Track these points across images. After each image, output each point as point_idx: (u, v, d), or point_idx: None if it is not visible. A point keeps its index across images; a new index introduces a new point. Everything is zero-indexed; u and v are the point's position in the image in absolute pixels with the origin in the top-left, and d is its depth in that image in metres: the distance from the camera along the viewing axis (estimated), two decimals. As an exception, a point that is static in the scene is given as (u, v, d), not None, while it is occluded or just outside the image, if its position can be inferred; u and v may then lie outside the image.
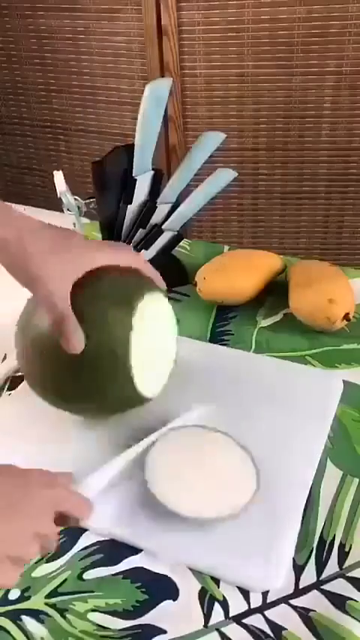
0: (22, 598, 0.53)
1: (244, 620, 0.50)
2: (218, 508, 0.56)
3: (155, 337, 0.65)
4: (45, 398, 0.64)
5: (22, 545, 0.46)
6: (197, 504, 0.57)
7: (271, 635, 0.49)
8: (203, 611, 0.51)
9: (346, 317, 0.78)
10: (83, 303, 0.58)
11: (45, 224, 0.60)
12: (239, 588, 0.52)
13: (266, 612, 0.51)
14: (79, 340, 0.57)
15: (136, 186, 0.80)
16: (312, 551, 0.55)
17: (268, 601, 0.52)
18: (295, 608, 0.51)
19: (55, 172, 0.91)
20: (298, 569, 0.54)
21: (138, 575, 0.54)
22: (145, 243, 0.85)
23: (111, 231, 0.83)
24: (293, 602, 0.52)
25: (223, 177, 0.83)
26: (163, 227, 0.85)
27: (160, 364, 0.67)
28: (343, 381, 0.71)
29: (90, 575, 0.54)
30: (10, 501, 0.47)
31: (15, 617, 0.51)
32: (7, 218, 0.58)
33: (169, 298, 0.87)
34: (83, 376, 0.59)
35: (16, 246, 0.56)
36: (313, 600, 0.51)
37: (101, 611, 0.52)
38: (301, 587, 0.53)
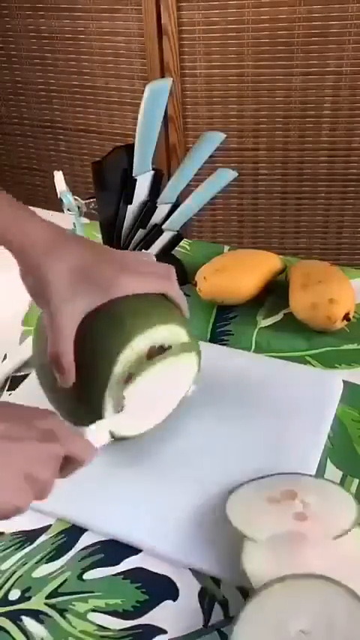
0: (23, 598, 0.53)
1: (244, 620, 0.50)
2: None
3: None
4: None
5: (14, 489, 0.43)
6: None
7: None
8: (203, 611, 0.51)
9: (346, 317, 0.77)
10: (93, 323, 0.57)
11: (74, 238, 0.57)
12: (239, 588, 0.52)
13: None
14: (70, 378, 0.55)
15: (136, 186, 0.80)
16: (312, 551, 0.55)
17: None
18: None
19: (55, 172, 0.91)
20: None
21: (138, 575, 0.54)
22: (145, 243, 0.85)
23: (111, 231, 0.83)
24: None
25: (223, 177, 0.83)
26: (163, 227, 0.85)
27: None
28: (343, 381, 0.71)
29: (90, 575, 0.54)
30: (7, 436, 0.43)
31: (15, 617, 0.52)
32: (35, 227, 0.56)
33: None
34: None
35: (38, 260, 0.54)
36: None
37: (101, 612, 0.52)
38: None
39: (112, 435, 0.56)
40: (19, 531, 0.58)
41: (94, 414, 0.57)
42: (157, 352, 0.59)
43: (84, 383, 0.57)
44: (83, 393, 0.58)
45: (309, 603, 0.47)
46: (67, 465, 0.47)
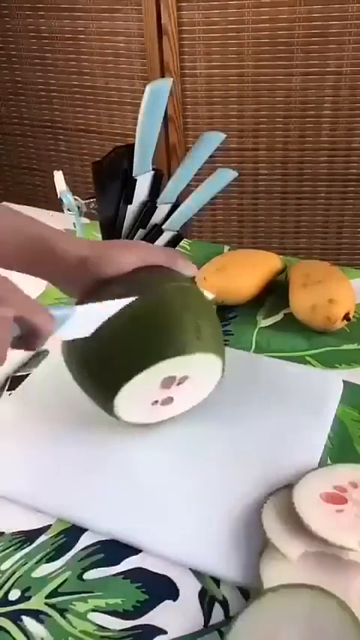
0: (22, 598, 0.53)
1: (244, 620, 0.50)
2: None
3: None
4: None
5: None
6: None
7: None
8: (203, 611, 0.51)
9: (346, 317, 0.78)
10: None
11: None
12: (239, 588, 0.52)
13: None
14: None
15: (136, 186, 0.80)
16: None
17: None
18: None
19: (55, 172, 0.91)
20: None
21: (138, 575, 0.54)
22: (145, 243, 0.85)
23: (111, 231, 0.83)
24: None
25: (223, 177, 0.83)
26: (163, 227, 0.85)
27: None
28: (343, 381, 0.71)
29: (90, 575, 0.54)
30: None
31: (15, 617, 0.51)
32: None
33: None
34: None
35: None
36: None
37: (101, 612, 0.52)
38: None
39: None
40: (19, 531, 0.58)
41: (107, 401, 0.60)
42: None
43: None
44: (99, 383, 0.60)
45: (301, 614, 0.47)
46: (27, 335, 0.48)
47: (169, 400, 0.62)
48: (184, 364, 0.59)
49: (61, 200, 0.90)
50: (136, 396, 0.59)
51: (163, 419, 0.65)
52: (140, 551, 0.56)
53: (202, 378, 0.63)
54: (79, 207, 0.89)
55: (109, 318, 0.57)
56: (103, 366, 0.59)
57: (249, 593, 0.52)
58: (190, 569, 0.54)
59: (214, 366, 0.62)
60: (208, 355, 0.60)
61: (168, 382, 0.60)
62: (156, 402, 0.61)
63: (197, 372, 0.61)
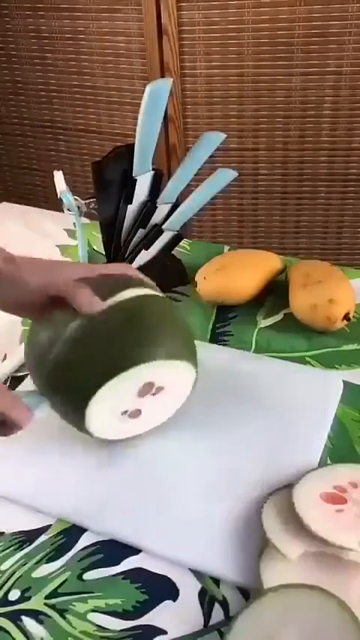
0: (22, 598, 0.53)
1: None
2: None
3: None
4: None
5: None
6: None
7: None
8: (203, 611, 0.51)
9: (346, 317, 0.78)
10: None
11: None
12: (239, 588, 0.52)
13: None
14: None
15: (136, 186, 0.80)
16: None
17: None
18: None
19: (55, 172, 0.91)
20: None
21: (138, 575, 0.54)
22: (145, 244, 0.85)
23: (111, 231, 0.83)
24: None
25: (223, 177, 0.83)
26: (163, 227, 0.85)
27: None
28: (343, 381, 0.71)
29: (90, 575, 0.54)
30: None
31: (15, 617, 0.52)
32: None
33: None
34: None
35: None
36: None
37: (101, 612, 0.52)
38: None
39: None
40: (19, 531, 0.58)
41: (78, 420, 0.58)
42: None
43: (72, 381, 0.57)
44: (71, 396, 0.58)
45: (300, 614, 0.47)
46: (5, 426, 0.53)
47: (137, 413, 0.61)
48: (165, 369, 0.58)
49: (61, 200, 0.90)
50: (111, 401, 0.57)
51: (129, 436, 0.63)
52: (140, 551, 0.56)
53: (176, 390, 0.62)
54: (79, 207, 0.89)
55: (89, 321, 0.56)
56: (80, 368, 0.56)
57: (249, 593, 0.52)
58: (190, 569, 0.54)
59: (189, 379, 0.62)
60: (187, 365, 0.60)
61: (145, 390, 0.59)
62: (125, 412, 0.60)
63: (174, 381, 0.61)
